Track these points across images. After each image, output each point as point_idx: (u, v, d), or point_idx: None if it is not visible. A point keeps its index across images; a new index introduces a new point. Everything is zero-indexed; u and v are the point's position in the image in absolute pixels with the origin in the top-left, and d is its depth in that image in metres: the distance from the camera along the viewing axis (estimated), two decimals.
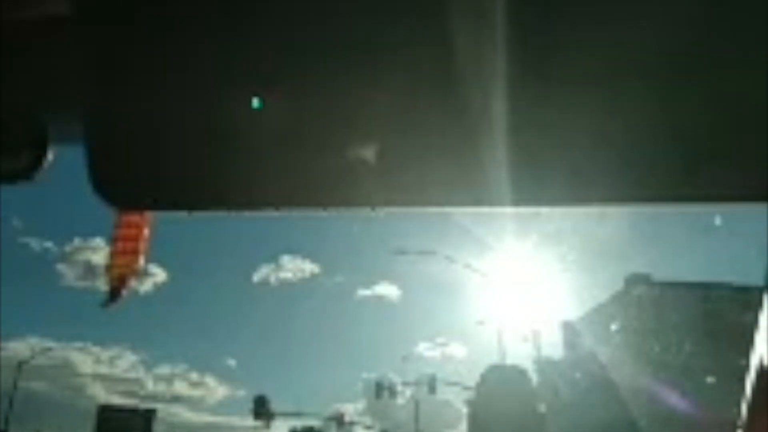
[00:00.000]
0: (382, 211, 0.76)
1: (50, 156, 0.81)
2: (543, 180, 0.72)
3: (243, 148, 0.75)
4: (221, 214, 0.79)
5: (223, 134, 0.75)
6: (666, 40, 0.69)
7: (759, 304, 0.78)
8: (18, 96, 0.80)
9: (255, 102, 0.72)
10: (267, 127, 0.74)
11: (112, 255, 0.86)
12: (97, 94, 0.77)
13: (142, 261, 0.86)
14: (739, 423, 0.80)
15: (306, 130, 0.74)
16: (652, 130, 0.70)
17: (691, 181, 0.70)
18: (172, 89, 0.75)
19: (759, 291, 0.80)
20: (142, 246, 0.84)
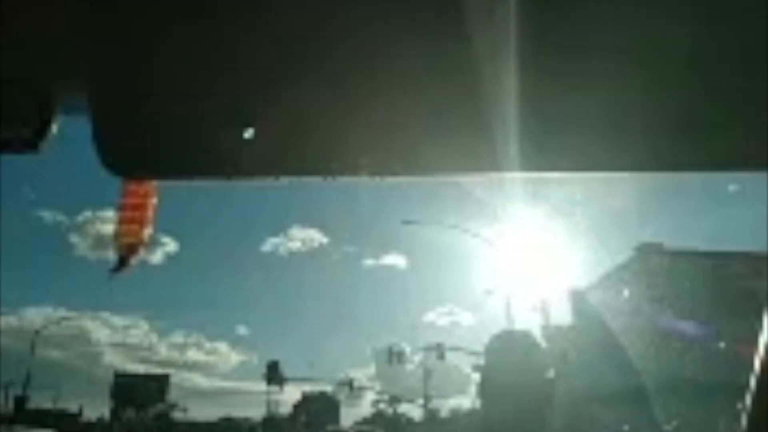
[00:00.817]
0: (390, 180, 0.75)
1: (55, 126, 0.81)
2: (552, 146, 0.71)
3: (248, 116, 0.75)
4: (227, 183, 0.79)
5: (227, 102, 0.75)
6: (676, 12, 0.69)
7: None
8: (22, 65, 0.79)
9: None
10: (274, 96, 0.74)
11: (120, 224, 0.86)
12: (102, 63, 0.77)
13: (149, 229, 0.86)
14: (749, 388, 0.80)
15: (312, 98, 0.73)
16: (661, 99, 0.69)
17: (699, 149, 0.70)
18: (177, 58, 0.75)
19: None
20: (150, 214, 0.84)
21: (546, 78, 0.70)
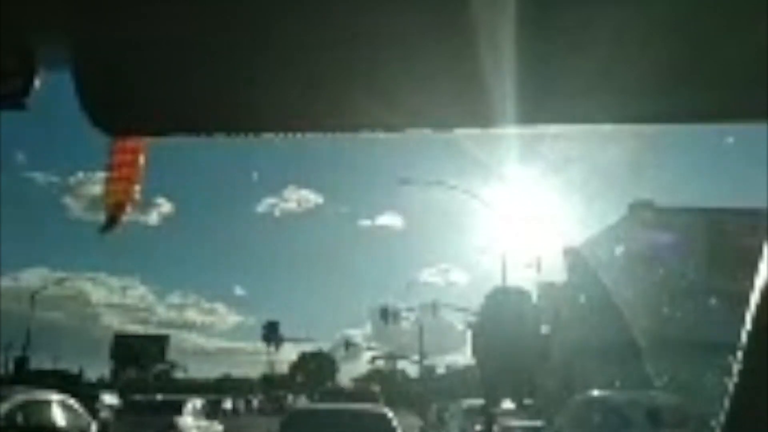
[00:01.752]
0: (386, 136, 0.74)
1: (38, 82, 0.79)
2: (549, 99, 0.71)
3: (241, 70, 0.73)
4: (220, 141, 0.78)
5: (220, 55, 0.73)
6: None
7: (765, 227, 0.78)
8: (2, 19, 0.77)
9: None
10: (267, 49, 0.72)
11: (108, 182, 0.85)
12: (86, 15, 0.74)
13: (138, 187, 0.85)
14: (740, 344, 0.81)
15: (309, 52, 0.71)
16: (659, 50, 0.69)
17: (698, 101, 0.70)
18: (167, 8, 0.73)
19: (766, 214, 0.80)
20: (139, 172, 0.83)
21: (543, 30, 0.69)
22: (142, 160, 0.87)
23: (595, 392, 11.43)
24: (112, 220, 0.89)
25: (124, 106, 0.76)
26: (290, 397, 44.39)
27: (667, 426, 8.81)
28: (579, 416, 10.46)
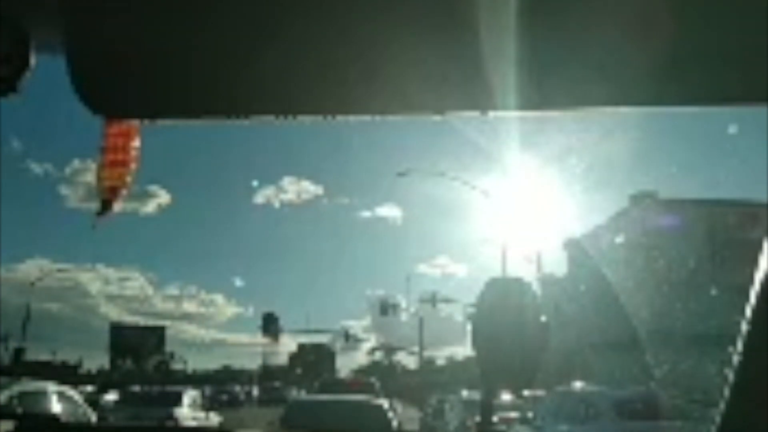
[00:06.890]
0: (387, 126, 0.73)
1: (32, 63, 0.78)
2: (550, 83, 0.69)
3: (236, 52, 0.71)
4: (214, 123, 0.76)
5: (214, 38, 0.71)
6: None
7: (766, 219, 0.78)
8: None
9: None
10: (262, 32, 0.70)
11: (101, 167, 0.84)
12: None
13: (132, 171, 0.84)
14: (740, 336, 0.81)
15: (302, 34, 0.70)
16: (659, 33, 0.67)
17: (698, 83, 0.69)
18: None
19: (767, 206, 0.80)
20: (133, 156, 0.82)
21: (544, 13, 0.68)
22: (136, 143, 0.86)
23: (573, 386, 12.30)
24: (106, 205, 0.88)
25: (117, 88, 0.74)
26: (280, 386, 44.38)
27: (637, 417, 9.33)
28: (557, 407, 11.08)
